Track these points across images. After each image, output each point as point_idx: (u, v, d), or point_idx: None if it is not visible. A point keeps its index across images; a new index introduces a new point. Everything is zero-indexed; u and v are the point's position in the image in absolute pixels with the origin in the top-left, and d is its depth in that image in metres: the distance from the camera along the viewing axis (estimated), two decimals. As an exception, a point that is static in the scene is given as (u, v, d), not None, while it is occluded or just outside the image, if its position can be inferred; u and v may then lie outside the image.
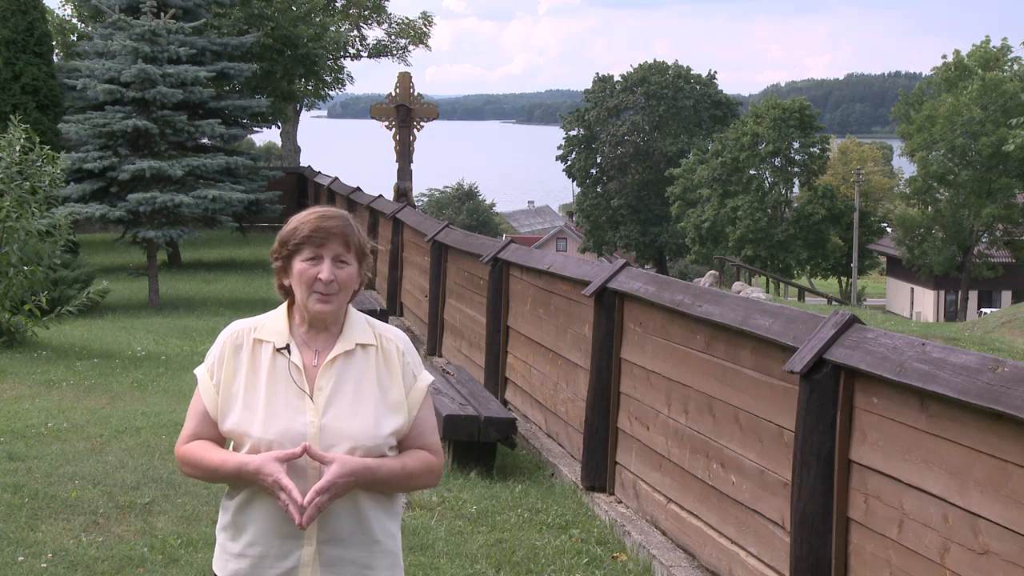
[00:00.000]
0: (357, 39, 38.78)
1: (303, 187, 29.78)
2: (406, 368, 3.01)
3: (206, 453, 2.95)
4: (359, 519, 2.93)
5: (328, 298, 2.93)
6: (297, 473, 2.86)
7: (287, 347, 2.96)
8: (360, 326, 3.02)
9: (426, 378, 3.05)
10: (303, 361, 2.95)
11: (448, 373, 9.32)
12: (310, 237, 2.93)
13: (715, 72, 67.39)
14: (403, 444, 3.01)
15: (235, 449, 2.97)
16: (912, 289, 54.66)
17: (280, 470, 2.82)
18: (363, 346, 2.99)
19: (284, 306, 3.04)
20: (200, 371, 3.03)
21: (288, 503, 2.80)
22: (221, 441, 3.00)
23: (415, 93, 21.50)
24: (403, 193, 21.25)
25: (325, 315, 2.95)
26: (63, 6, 31.25)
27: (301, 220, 2.97)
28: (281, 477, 2.81)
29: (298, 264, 2.94)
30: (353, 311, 3.05)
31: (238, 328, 3.03)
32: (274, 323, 3.01)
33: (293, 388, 2.93)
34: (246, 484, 2.90)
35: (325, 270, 2.91)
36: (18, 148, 12.65)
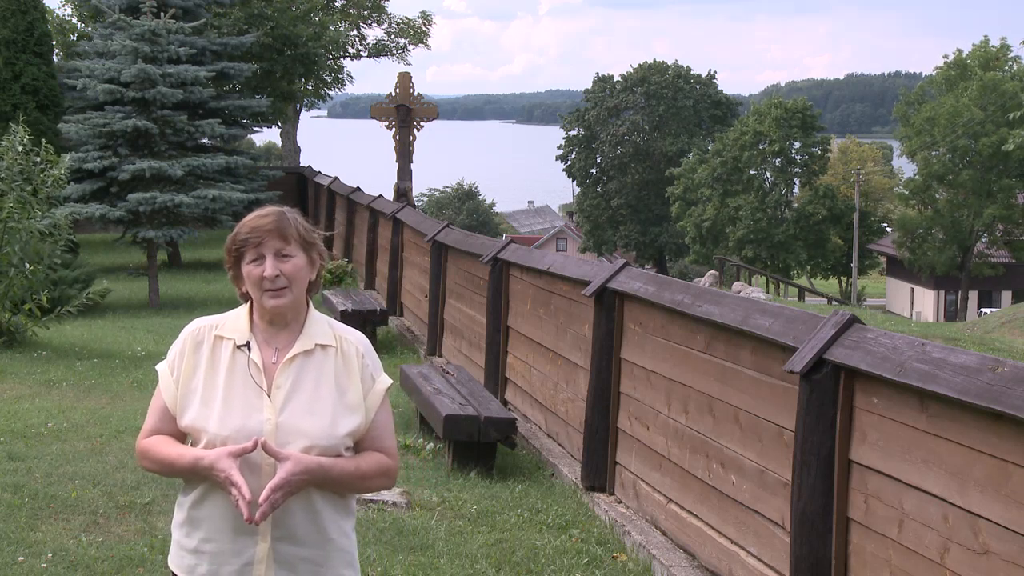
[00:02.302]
0: (357, 39, 38.79)
1: (303, 187, 29.77)
2: (365, 370, 3.04)
3: (163, 448, 2.98)
4: (313, 517, 2.96)
5: (279, 292, 2.96)
6: (252, 469, 2.88)
7: (247, 344, 2.99)
8: (320, 327, 3.05)
9: (384, 381, 3.08)
10: (263, 359, 2.98)
11: (448, 373, 9.32)
12: (247, 240, 2.98)
13: (715, 72, 67.38)
14: (359, 446, 3.04)
15: (193, 445, 2.99)
16: (912, 289, 54.66)
17: (232, 466, 2.84)
18: (323, 347, 3.02)
19: (247, 304, 3.07)
20: (161, 367, 3.06)
21: (239, 499, 2.82)
22: (181, 437, 3.02)
23: (415, 93, 21.49)
24: (403, 193, 21.24)
25: (281, 309, 2.98)
26: (63, 6, 31.26)
27: (241, 224, 3.02)
28: (233, 473, 2.83)
29: (245, 268, 2.99)
30: (315, 312, 3.08)
31: (199, 325, 3.06)
32: (235, 321, 3.05)
33: (251, 385, 2.95)
34: (201, 479, 2.93)
35: (268, 267, 2.95)
36: (20, 148, 12.65)
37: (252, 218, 3.01)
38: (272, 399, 2.94)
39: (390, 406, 3.13)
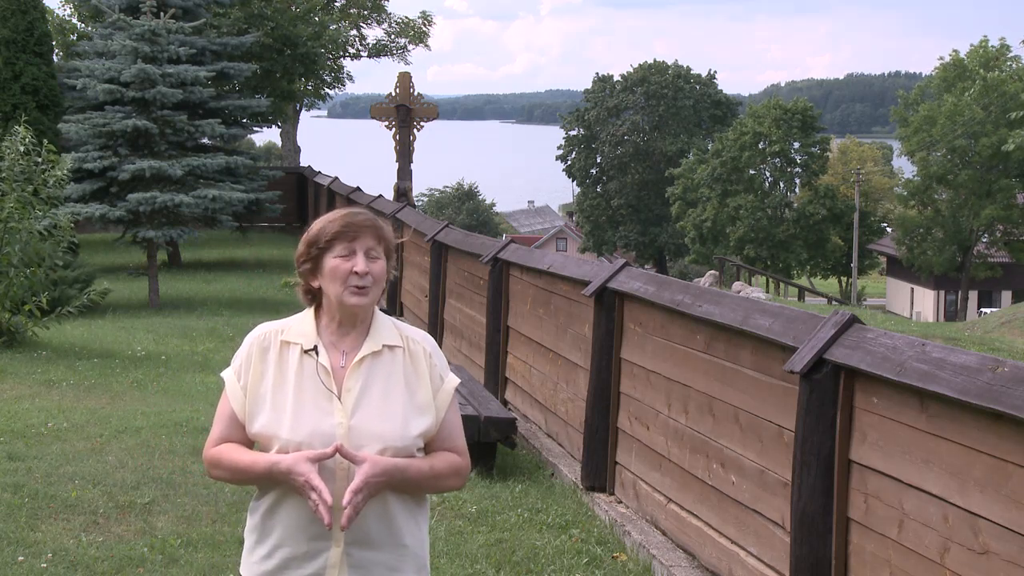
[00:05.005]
0: (357, 39, 38.79)
1: (303, 187, 29.77)
2: (433, 370, 3.01)
3: (235, 455, 2.95)
4: (387, 521, 2.92)
5: (363, 291, 2.93)
6: (326, 474, 2.85)
7: (315, 348, 2.95)
8: (387, 328, 3.03)
9: (453, 380, 3.05)
10: (331, 362, 2.94)
11: (448, 373, 9.32)
12: (342, 232, 2.93)
13: (715, 72, 67.38)
14: (430, 446, 3.01)
15: (263, 451, 2.95)
16: (912, 289, 54.66)
17: (312, 470, 2.81)
18: (390, 347, 2.99)
19: (311, 309, 3.02)
20: (227, 374, 3.01)
21: (319, 503, 2.79)
22: (249, 444, 2.99)
23: (415, 93, 21.49)
24: (403, 193, 21.24)
25: (360, 309, 2.95)
26: (63, 6, 31.23)
27: (329, 219, 2.97)
28: (312, 477, 2.80)
29: (330, 261, 2.93)
30: (379, 313, 3.05)
31: (265, 330, 3.02)
32: (301, 325, 3.01)
33: (321, 389, 2.92)
34: (276, 484, 2.89)
35: (360, 262, 2.91)
36: (20, 148, 12.64)
37: (344, 214, 2.97)
38: (343, 402, 2.91)
39: (458, 405, 3.10)
